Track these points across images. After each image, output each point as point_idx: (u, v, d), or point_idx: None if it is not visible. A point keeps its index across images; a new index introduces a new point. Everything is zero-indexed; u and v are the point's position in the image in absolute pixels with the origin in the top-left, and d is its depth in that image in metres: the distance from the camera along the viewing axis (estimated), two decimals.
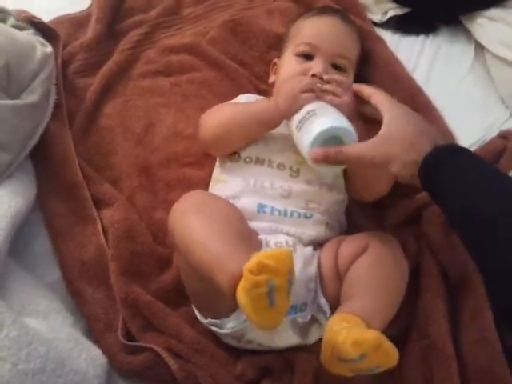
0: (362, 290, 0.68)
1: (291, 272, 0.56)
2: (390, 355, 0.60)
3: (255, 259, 0.55)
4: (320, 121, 0.68)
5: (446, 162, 0.60)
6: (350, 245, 0.73)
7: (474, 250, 0.57)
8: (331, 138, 0.67)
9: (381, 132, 0.65)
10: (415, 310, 0.75)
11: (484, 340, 0.71)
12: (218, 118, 0.79)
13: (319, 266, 0.73)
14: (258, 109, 0.77)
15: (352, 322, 0.63)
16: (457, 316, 0.75)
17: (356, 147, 0.66)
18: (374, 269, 0.69)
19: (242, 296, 0.55)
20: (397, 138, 0.64)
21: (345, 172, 0.79)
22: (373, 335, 0.59)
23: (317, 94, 0.73)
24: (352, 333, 0.60)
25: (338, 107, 0.72)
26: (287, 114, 0.73)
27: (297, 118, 0.72)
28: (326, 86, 0.73)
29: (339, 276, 0.72)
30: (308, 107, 0.71)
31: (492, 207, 0.55)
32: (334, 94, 0.73)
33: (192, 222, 0.66)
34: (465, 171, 0.59)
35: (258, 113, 0.76)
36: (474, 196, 0.56)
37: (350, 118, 0.70)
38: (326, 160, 0.67)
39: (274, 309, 0.55)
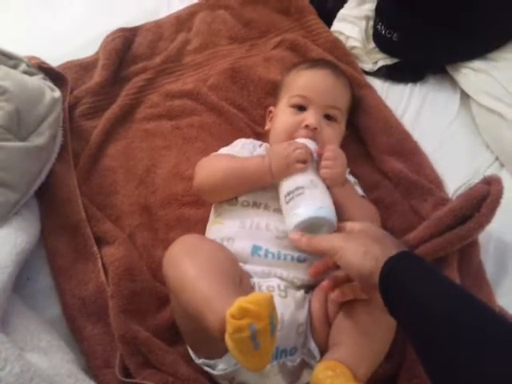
0: (348, 337, 0.70)
1: (272, 315, 0.58)
2: None
3: (236, 304, 0.56)
4: (306, 206, 0.74)
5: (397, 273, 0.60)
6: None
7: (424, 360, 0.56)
8: (314, 220, 0.74)
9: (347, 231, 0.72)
10: (405, 350, 0.77)
11: None
12: (212, 170, 0.83)
13: (310, 310, 0.75)
14: (252, 167, 0.81)
15: (337, 371, 0.65)
16: None
17: (321, 240, 0.69)
18: (361, 317, 0.70)
19: (228, 340, 0.57)
20: (357, 241, 0.66)
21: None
22: None
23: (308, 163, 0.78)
24: (335, 383, 0.62)
25: (329, 180, 0.79)
26: (278, 177, 0.79)
27: (286, 187, 0.78)
28: (321, 163, 0.80)
29: (329, 321, 0.74)
30: (299, 181, 0.77)
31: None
32: (325, 167, 0.79)
33: (183, 266, 0.68)
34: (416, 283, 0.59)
35: (251, 171, 0.81)
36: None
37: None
38: (298, 247, 0.72)
39: (259, 351, 0.57)
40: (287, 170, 0.78)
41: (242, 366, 0.59)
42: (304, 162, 0.78)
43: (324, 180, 0.79)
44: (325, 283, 0.72)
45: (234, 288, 0.66)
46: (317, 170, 0.80)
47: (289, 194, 0.77)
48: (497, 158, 1.00)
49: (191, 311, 0.65)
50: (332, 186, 0.79)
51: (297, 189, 0.76)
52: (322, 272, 0.73)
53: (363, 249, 0.63)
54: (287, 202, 0.76)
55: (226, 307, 0.58)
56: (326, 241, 0.68)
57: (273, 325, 0.58)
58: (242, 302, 0.56)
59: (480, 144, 1.02)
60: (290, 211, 0.75)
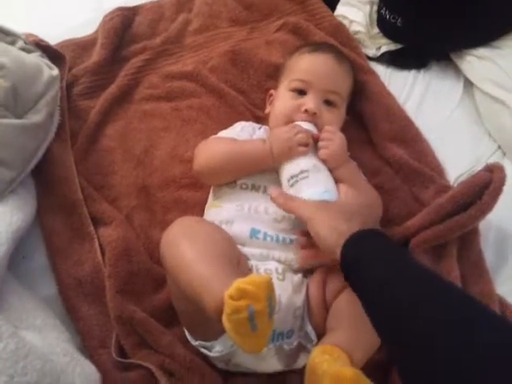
0: (346, 322, 0.70)
1: (270, 297, 0.58)
2: None
3: (235, 285, 0.56)
4: (310, 189, 0.75)
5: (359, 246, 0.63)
6: (338, 275, 0.73)
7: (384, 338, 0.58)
8: None
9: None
10: None
11: None
12: (211, 153, 0.82)
13: (307, 294, 0.75)
14: (252, 151, 0.80)
15: (334, 355, 0.65)
16: None
17: (296, 206, 0.72)
18: (359, 302, 0.71)
19: (225, 321, 0.57)
20: (328, 213, 0.69)
21: None
22: (350, 373, 0.60)
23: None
24: (332, 367, 0.62)
25: (328, 161, 0.79)
26: (280, 160, 0.79)
27: (289, 170, 0.77)
28: (319, 144, 0.80)
29: (326, 305, 0.73)
30: (301, 164, 0.77)
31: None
32: (323, 147, 0.80)
33: (181, 247, 0.68)
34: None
35: (252, 155, 0.80)
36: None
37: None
38: (274, 203, 0.75)
39: (256, 333, 0.56)
40: (289, 154, 0.78)
41: (239, 347, 0.59)
42: (306, 145, 0.78)
43: (323, 162, 0.79)
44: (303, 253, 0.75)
45: (231, 270, 0.65)
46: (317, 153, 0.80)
47: (292, 177, 0.76)
48: (499, 147, 0.99)
49: (188, 293, 0.65)
50: (332, 166, 0.79)
51: (301, 172, 0.76)
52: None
53: (332, 223, 0.66)
54: (291, 185, 0.76)
55: (224, 288, 0.57)
56: (301, 208, 0.71)
57: (271, 307, 0.58)
58: (240, 282, 0.56)
59: (482, 132, 1.01)
60: (293, 194, 0.75)
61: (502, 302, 0.80)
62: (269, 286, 0.57)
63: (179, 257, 0.67)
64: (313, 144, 0.80)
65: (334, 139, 0.80)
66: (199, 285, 0.62)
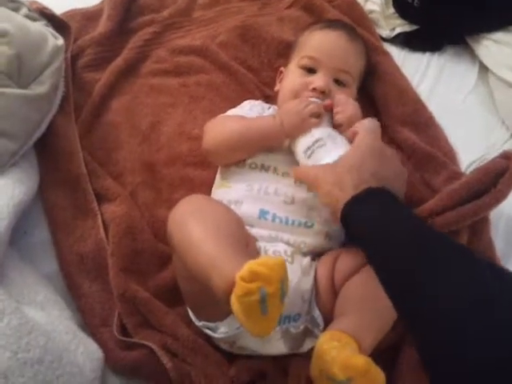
0: (355, 307, 0.68)
1: (283, 280, 0.57)
2: (376, 380, 0.60)
3: (247, 267, 0.55)
4: (330, 156, 0.72)
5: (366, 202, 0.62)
6: (347, 260, 0.73)
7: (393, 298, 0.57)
8: None
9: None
10: None
11: None
12: (221, 131, 0.80)
13: (316, 278, 0.74)
14: (263, 127, 0.78)
15: (342, 342, 0.63)
16: None
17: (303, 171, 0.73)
18: (368, 287, 0.68)
19: (234, 303, 0.56)
20: (335, 170, 0.68)
21: None
22: (361, 361, 0.59)
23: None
24: (341, 354, 0.61)
25: (345, 125, 0.77)
26: (292, 134, 0.76)
27: (304, 142, 0.75)
28: (334, 110, 0.79)
29: (335, 290, 0.72)
30: (316, 134, 0.75)
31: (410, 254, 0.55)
32: (338, 112, 0.78)
33: (190, 226, 0.66)
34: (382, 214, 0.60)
35: (263, 131, 0.78)
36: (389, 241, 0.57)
37: None
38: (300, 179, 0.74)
39: (266, 316, 0.55)
40: (301, 126, 0.75)
41: (246, 330, 0.58)
42: (318, 116, 0.76)
43: (340, 126, 0.77)
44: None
45: (240, 250, 0.64)
46: (331, 123, 0.78)
47: (308, 148, 0.74)
48: None
49: (196, 272, 0.63)
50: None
51: (317, 141, 0.74)
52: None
53: (337, 179, 0.66)
54: (308, 157, 0.74)
55: (234, 269, 0.56)
56: (307, 171, 0.71)
57: (283, 290, 0.56)
58: (252, 264, 0.55)
59: (496, 119, 0.99)
60: (314, 162, 0.73)
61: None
62: (282, 269, 0.56)
63: (187, 235, 0.65)
64: (325, 114, 0.78)
65: (348, 103, 0.79)
66: (208, 264, 0.60)
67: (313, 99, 0.80)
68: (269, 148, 0.79)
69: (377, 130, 0.76)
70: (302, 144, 0.76)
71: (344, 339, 0.64)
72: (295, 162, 0.79)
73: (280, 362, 0.74)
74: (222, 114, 0.86)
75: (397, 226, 0.58)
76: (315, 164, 0.73)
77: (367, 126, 0.75)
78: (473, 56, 1.04)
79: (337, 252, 0.76)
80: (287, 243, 0.75)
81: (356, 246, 0.63)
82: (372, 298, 0.69)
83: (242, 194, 0.77)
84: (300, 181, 0.75)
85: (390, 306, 0.70)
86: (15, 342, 0.53)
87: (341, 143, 0.74)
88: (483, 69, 1.03)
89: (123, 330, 0.74)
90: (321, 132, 0.75)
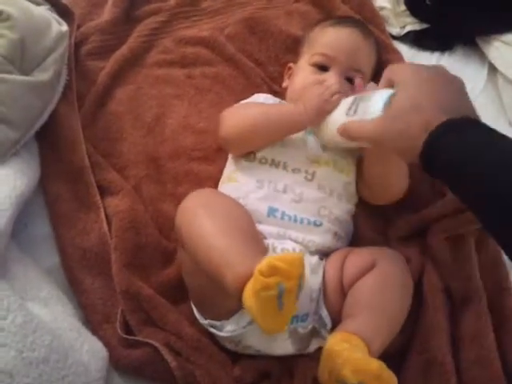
0: (365, 309, 0.67)
1: (302, 276, 0.56)
2: None
3: (267, 261, 0.54)
4: (380, 97, 0.64)
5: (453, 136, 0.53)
6: (356, 260, 0.72)
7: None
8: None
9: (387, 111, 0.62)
10: (417, 324, 0.75)
11: (484, 360, 0.71)
12: (242, 117, 0.78)
13: (324, 278, 0.72)
14: (285, 112, 0.76)
15: (352, 343, 0.62)
16: (457, 332, 0.75)
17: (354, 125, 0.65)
18: (378, 290, 0.68)
19: (249, 297, 0.55)
20: (395, 116, 0.59)
21: (361, 170, 0.79)
22: (375, 366, 0.59)
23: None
24: (352, 356, 0.60)
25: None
26: (318, 117, 0.73)
27: (338, 112, 0.70)
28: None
29: (343, 290, 0.71)
30: (347, 99, 0.70)
31: None
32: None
33: (201, 221, 0.65)
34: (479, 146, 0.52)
35: (287, 116, 0.75)
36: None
37: None
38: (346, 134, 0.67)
39: (281, 312, 0.55)
40: (325, 108, 0.72)
41: (258, 325, 0.57)
42: (339, 93, 0.73)
43: None
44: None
45: (252, 245, 0.63)
46: None
47: (350, 108, 0.68)
48: None
49: (206, 267, 0.62)
50: None
51: (355, 99, 0.69)
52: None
53: (403, 121, 0.57)
54: (355, 112, 0.67)
55: (247, 265, 0.56)
56: (361, 125, 0.64)
57: (300, 286, 0.56)
58: (272, 258, 0.54)
59: (503, 121, 0.98)
60: (362, 115, 0.66)
61: None
62: (301, 264, 0.55)
63: (197, 229, 0.64)
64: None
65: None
66: (219, 259, 0.60)
67: None
68: (285, 139, 0.77)
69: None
70: (334, 119, 0.71)
71: (354, 341, 0.63)
72: (306, 158, 0.77)
73: (285, 362, 0.73)
74: (239, 103, 0.84)
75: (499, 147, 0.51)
76: (370, 109, 0.65)
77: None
78: (482, 57, 1.03)
79: (345, 251, 0.75)
80: (295, 241, 0.73)
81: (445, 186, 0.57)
82: (382, 300, 0.68)
83: (251, 189, 0.76)
84: (353, 139, 0.66)
85: (399, 309, 0.70)
86: (20, 341, 0.51)
87: (377, 90, 0.67)
88: (492, 70, 1.01)
89: (126, 328, 0.73)
90: (348, 99, 0.70)
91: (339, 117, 0.70)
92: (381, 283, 0.69)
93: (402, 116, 0.58)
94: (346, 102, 0.70)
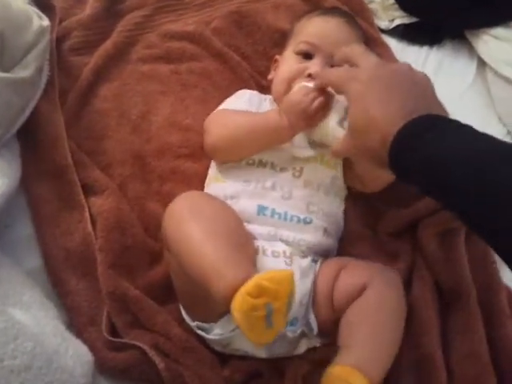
0: (362, 338, 0.65)
1: (291, 294, 0.55)
2: None
3: (254, 281, 0.53)
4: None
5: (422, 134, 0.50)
6: (348, 279, 0.69)
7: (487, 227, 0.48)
8: None
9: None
10: (408, 320, 0.74)
11: (474, 355, 0.71)
12: (226, 128, 0.76)
13: (315, 285, 0.71)
14: (270, 127, 0.73)
15: (353, 378, 0.60)
16: (448, 328, 0.75)
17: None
18: (374, 314, 0.66)
19: (238, 313, 0.54)
20: (356, 126, 0.57)
21: (351, 163, 0.78)
22: None
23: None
24: None
25: None
26: (306, 126, 0.71)
27: (332, 120, 0.69)
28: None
29: (332, 307, 0.69)
30: (337, 111, 0.69)
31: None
32: None
33: (188, 226, 0.64)
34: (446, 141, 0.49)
35: (273, 131, 0.73)
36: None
37: None
38: None
39: (270, 330, 0.55)
40: (312, 124, 0.70)
41: (247, 338, 0.57)
42: (325, 106, 0.70)
43: None
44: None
45: (241, 251, 0.62)
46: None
47: (343, 118, 0.68)
48: (508, 132, 0.96)
49: (195, 275, 0.61)
50: None
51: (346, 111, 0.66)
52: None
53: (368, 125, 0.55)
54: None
55: (236, 275, 0.55)
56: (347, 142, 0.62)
57: (289, 304, 0.55)
58: (259, 279, 0.53)
59: (492, 116, 0.98)
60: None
61: (509, 292, 0.78)
62: (290, 283, 0.54)
63: (185, 236, 0.63)
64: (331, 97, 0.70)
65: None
66: (208, 269, 0.58)
67: (309, 84, 0.73)
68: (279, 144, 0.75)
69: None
70: (329, 125, 0.69)
71: (354, 376, 0.61)
72: (293, 157, 0.76)
73: (275, 362, 0.72)
74: (221, 108, 0.82)
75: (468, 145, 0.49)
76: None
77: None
78: (471, 51, 1.03)
79: (339, 264, 0.72)
80: (286, 242, 0.72)
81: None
82: (378, 326, 0.66)
83: (239, 189, 0.74)
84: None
85: (395, 335, 0.67)
86: (1, 348, 0.49)
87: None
88: (481, 64, 1.01)
89: (112, 330, 0.71)
90: (339, 107, 0.69)
91: (331, 127, 0.69)
92: (374, 309, 0.67)
93: (359, 134, 0.57)
94: (337, 114, 0.69)
